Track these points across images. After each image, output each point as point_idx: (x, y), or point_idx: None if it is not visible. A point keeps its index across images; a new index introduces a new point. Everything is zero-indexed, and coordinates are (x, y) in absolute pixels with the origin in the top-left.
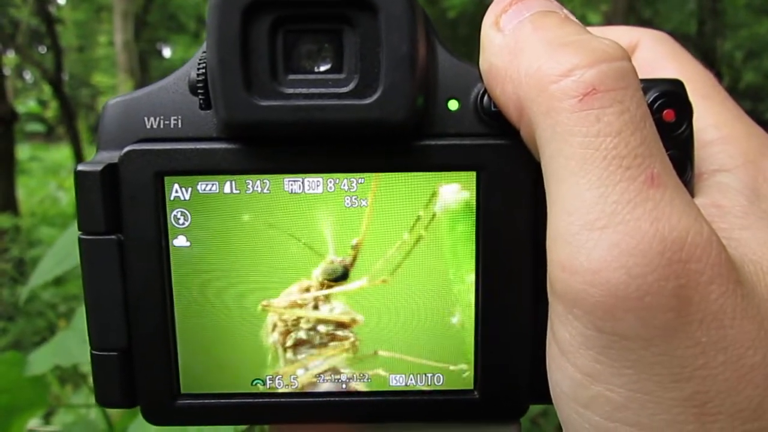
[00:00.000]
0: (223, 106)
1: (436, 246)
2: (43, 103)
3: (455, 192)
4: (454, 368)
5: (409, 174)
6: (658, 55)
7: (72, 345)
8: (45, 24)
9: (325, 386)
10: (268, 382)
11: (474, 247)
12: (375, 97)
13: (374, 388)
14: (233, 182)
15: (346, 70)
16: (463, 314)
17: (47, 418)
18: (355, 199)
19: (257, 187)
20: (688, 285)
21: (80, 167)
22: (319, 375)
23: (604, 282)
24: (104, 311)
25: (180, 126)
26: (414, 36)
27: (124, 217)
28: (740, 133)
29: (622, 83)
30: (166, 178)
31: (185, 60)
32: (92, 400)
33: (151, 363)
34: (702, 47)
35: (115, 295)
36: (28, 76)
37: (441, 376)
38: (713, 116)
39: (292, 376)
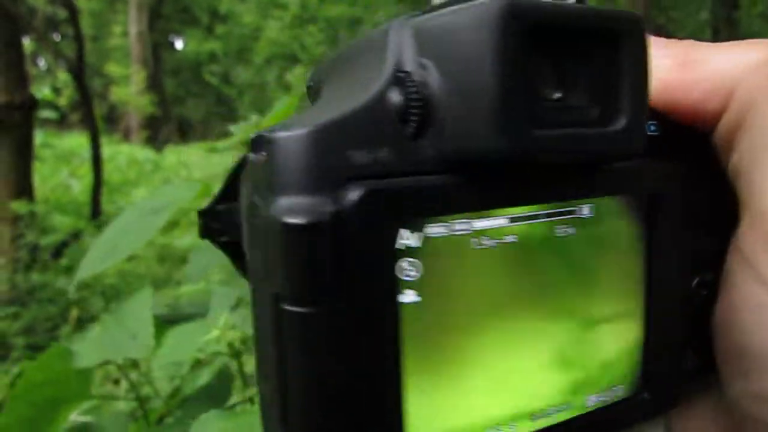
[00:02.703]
0: (503, 136)
1: (610, 260)
2: (56, 90)
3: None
4: (630, 376)
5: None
6: None
7: (122, 340)
8: (69, 14)
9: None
10: None
11: (643, 264)
12: (620, 125)
13: (575, 414)
14: (464, 221)
15: (593, 98)
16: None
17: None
18: (567, 228)
19: (489, 223)
20: None
21: (289, 219)
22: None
23: None
24: (321, 394)
25: (391, 159)
26: (648, 65)
27: (343, 277)
28: None
29: None
30: (396, 223)
31: (198, 53)
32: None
33: None
34: None
35: (334, 373)
36: (42, 62)
37: (621, 387)
38: None
39: None
